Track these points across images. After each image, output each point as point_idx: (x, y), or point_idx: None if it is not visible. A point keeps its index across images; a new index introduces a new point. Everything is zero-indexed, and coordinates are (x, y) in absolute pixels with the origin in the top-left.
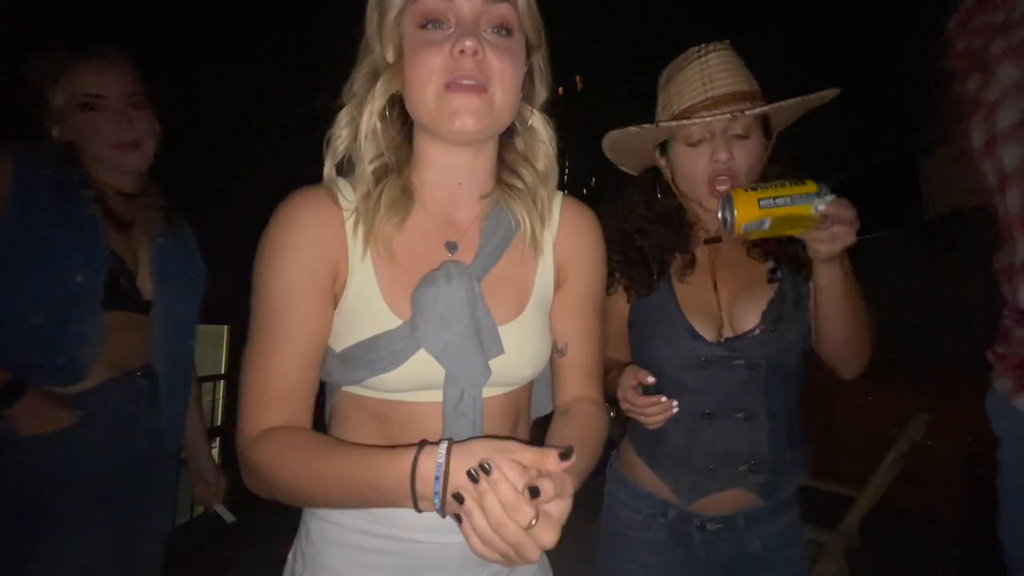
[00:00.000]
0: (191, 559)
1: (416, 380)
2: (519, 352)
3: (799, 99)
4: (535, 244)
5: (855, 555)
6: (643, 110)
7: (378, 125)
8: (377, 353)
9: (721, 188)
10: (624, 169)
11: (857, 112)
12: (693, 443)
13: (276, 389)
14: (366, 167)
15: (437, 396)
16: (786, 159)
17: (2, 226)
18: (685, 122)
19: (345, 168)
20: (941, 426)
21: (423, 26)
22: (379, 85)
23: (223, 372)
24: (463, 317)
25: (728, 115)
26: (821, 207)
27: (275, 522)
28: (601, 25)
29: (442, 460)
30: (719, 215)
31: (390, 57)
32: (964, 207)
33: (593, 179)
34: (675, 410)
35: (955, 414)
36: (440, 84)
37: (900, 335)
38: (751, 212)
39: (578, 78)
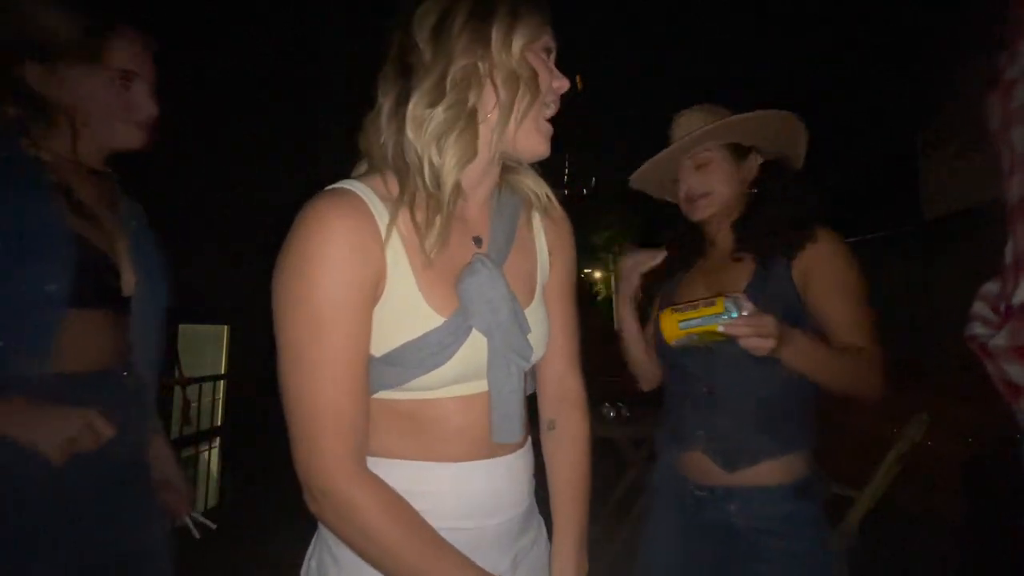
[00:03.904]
0: (191, 559)
1: (457, 373)
2: (538, 332)
3: (719, 122)
4: (547, 212)
5: (855, 555)
6: (642, 111)
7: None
8: (429, 350)
9: (697, 211)
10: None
11: (857, 112)
12: (678, 411)
13: (348, 410)
14: (454, 169)
15: (468, 389)
16: (775, 182)
17: None
18: (643, 168)
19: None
20: (941, 426)
21: (544, 50)
22: (522, 91)
23: (223, 372)
24: (507, 300)
25: (663, 158)
26: (721, 328)
27: (275, 523)
28: (601, 25)
29: None
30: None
31: (524, 71)
32: (964, 207)
33: (593, 179)
34: None
35: (955, 414)
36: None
37: (900, 335)
38: (674, 332)
39: (578, 78)
